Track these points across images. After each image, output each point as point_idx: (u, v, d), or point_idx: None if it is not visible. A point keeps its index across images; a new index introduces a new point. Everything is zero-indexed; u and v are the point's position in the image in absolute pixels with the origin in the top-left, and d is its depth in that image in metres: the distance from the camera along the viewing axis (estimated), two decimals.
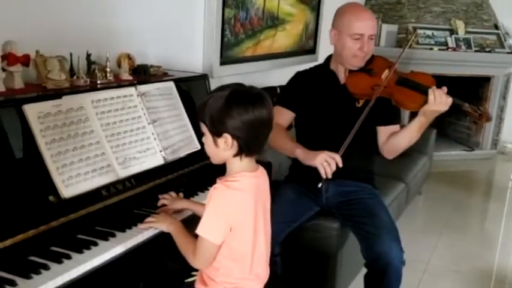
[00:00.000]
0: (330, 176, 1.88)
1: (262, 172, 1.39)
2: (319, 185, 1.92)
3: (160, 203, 1.59)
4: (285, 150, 2.09)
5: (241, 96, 1.27)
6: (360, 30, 2.00)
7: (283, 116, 2.15)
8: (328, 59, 2.21)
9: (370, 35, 2.02)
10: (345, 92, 2.05)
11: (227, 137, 1.27)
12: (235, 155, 1.31)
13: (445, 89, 1.86)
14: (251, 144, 1.29)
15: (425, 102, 1.85)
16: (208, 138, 1.32)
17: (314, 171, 2.16)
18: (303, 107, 2.14)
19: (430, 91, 1.84)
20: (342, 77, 2.13)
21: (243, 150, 1.30)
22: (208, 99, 1.29)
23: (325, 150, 2.06)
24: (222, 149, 1.30)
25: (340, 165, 1.88)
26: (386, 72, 2.01)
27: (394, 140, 2.03)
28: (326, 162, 1.88)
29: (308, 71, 2.24)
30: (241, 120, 1.25)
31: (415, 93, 1.92)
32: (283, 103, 2.18)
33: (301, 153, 2.00)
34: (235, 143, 1.28)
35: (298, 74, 2.24)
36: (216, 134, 1.29)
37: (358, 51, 2.02)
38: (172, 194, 1.63)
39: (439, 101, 1.83)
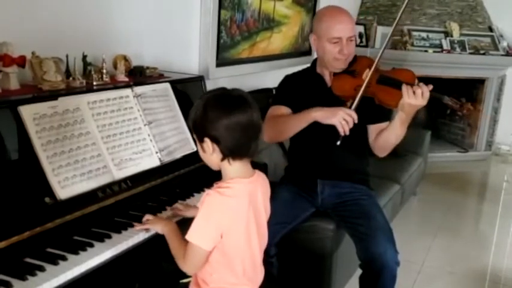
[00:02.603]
0: (347, 133, 1.88)
1: (259, 177, 1.38)
2: (338, 142, 1.91)
3: (172, 213, 1.58)
4: (300, 123, 2.00)
5: (219, 100, 1.27)
6: (338, 34, 2.00)
7: (282, 111, 2.12)
8: (315, 62, 2.21)
9: (348, 37, 2.02)
10: (332, 95, 2.05)
11: (207, 141, 1.27)
12: (222, 159, 1.30)
13: (422, 85, 1.83)
14: (233, 148, 1.28)
15: (402, 97, 1.85)
16: (198, 145, 1.33)
17: (310, 171, 2.17)
18: (296, 108, 2.15)
19: (403, 86, 1.84)
20: (328, 79, 2.13)
21: (225, 154, 1.29)
22: (193, 107, 1.30)
23: (318, 151, 2.06)
24: (208, 153, 1.30)
25: (356, 121, 1.89)
26: (367, 71, 1.99)
27: (382, 137, 2.03)
28: (344, 121, 1.88)
29: (297, 74, 2.24)
30: (218, 123, 1.25)
31: (392, 89, 1.91)
32: (279, 102, 2.16)
33: (320, 114, 1.94)
34: (215, 146, 1.28)
35: (287, 77, 2.24)
36: (199, 139, 1.30)
37: (338, 55, 2.02)
38: (180, 205, 1.61)
39: (413, 95, 1.82)
